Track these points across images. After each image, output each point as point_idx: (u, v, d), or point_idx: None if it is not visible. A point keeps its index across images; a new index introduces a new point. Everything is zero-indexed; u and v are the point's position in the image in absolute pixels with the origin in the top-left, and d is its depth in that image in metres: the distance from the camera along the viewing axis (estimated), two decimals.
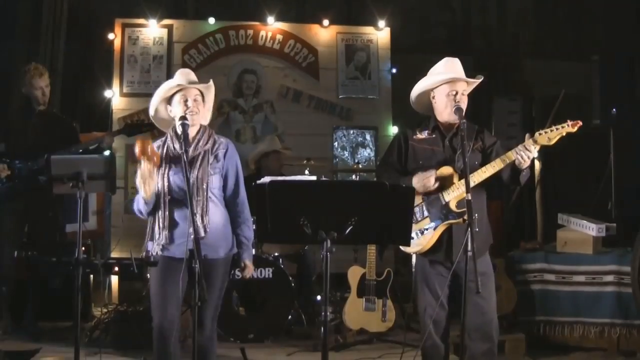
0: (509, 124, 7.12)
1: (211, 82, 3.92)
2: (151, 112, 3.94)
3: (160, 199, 3.78)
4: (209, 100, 3.95)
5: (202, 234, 3.73)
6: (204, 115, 3.92)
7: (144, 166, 3.66)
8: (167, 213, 3.77)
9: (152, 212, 3.82)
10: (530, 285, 5.64)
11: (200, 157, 3.82)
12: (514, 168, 3.86)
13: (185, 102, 3.81)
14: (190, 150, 3.80)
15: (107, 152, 5.64)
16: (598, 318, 5.46)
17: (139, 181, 3.68)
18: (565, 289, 5.55)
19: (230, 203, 3.95)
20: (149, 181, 3.68)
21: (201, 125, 3.91)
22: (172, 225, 3.78)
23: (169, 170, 3.79)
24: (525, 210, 7.81)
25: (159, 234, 3.78)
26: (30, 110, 5.71)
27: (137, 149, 3.63)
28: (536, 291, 5.62)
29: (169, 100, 3.87)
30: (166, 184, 3.77)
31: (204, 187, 3.78)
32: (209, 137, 3.90)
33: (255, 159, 6.46)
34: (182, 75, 3.89)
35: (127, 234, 6.66)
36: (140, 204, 3.81)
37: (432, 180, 3.92)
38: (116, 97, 7.23)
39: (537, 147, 3.81)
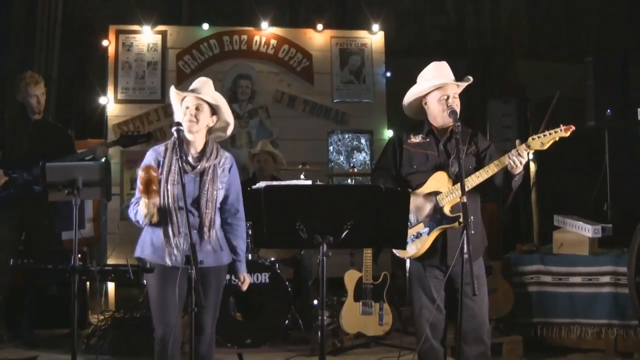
0: (503, 126, 7.12)
1: (207, 93, 3.89)
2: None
3: (171, 205, 3.73)
4: (223, 114, 3.96)
5: (209, 245, 3.78)
6: (221, 127, 3.99)
7: (148, 200, 3.62)
8: (181, 220, 3.72)
9: (162, 220, 3.77)
10: (527, 287, 5.63)
11: (210, 171, 3.82)
12: (506, 173, 3.86)
13: (186, 108, 3.83)
14: (203, 162, 3.81)
15: (102, 159, 5.63)
16: (595, 319, 5.45)
17: (142, 211, 3.66)
18: (561, 291, 5.55)
19: (229, 217, 3.96)
20: (153, 212, 3.67)
21: (209, 138, 3.92)
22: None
23: (176, 177, 3.74)
24: (521, 212, 7.83)
25: (176, 239, 3.72)
26: (25, 118, 5.70)
27: (139, 185, 3.60)
28: (533, 293, 5.62)
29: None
30: (175, 192, 3.73)
31: (214, 200, 3.81)
32: (217, 151, 3.91)
33: (250, 164, 6.62)
34: (195, 84, 3.92)
35: (123, 241, 6.55)
36: (139, 218, 3.75)
37: (427, 210, 3.93)
38: (111, 104, 7.23)
39: (531, 152, 3.83)
